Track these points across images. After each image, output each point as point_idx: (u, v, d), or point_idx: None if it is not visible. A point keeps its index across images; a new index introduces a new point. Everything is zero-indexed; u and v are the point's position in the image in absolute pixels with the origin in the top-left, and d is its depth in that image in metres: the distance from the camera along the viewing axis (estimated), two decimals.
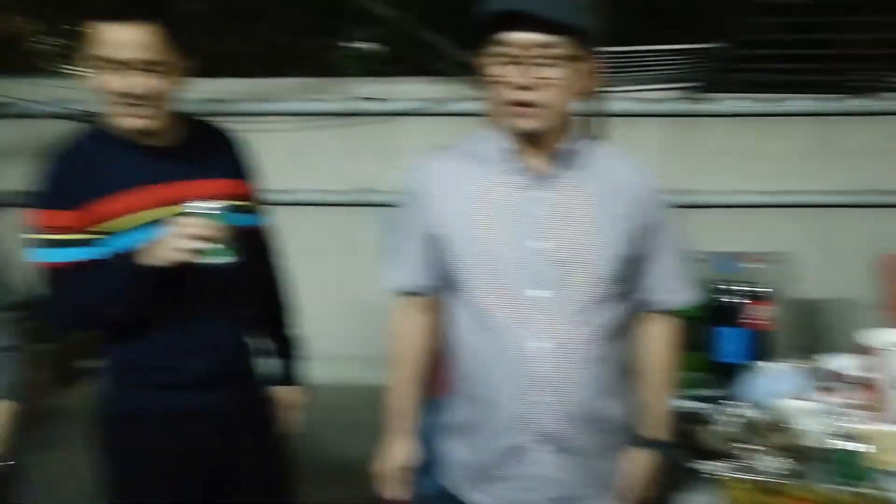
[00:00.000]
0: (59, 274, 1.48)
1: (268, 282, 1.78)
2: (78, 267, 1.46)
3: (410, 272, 1.43)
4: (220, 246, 1.38)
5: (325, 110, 4.30)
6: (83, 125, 1.56)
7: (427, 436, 1.66)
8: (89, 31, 1.39)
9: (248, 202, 1.66)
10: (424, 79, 4.41)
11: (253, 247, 1.66)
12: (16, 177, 4.40)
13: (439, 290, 1.43)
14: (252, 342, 1.72)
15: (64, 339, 4.29)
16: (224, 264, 1.40)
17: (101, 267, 1.47)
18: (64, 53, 5.36)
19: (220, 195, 1.49)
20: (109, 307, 1.47)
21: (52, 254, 1.47)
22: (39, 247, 1.48)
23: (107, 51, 1.38)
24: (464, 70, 4.34)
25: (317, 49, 5.28)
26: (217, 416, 1.59)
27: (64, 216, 1.46)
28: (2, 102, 4.37)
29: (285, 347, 1.81)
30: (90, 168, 1.48)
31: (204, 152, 1.58)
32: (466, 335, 1.37)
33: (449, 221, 1.34)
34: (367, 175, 4.39)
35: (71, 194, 1.45)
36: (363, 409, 3.37)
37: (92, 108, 4.35)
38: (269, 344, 1.79)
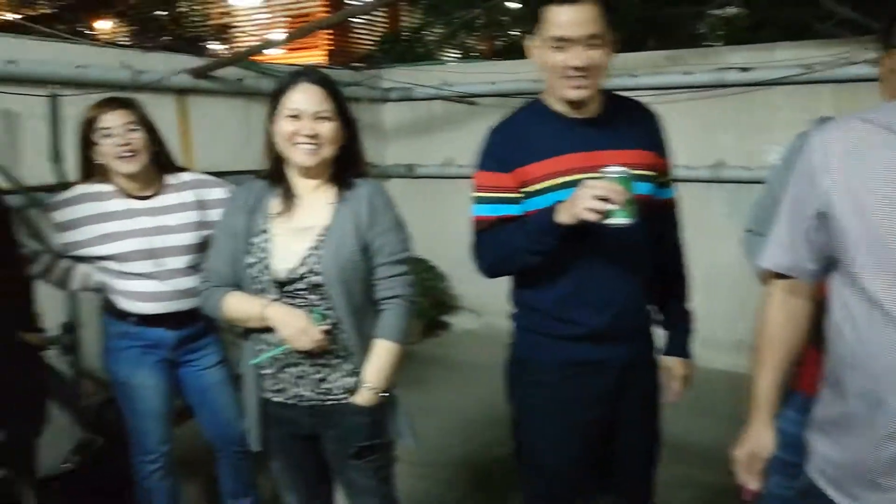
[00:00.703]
0: (487, 226, 1.70)
1: (671, 254, 1.85)
2: (503, 221, 1.68)
3: (789, 253, 1.31)
4: (622, 208, 1.47)
5: (687, 83, 4.14)
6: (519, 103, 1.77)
7: (788, 431, 1.54)
8: (539, 14, 1.58)
9: (661, 175, 1.74)
10: (796, 43, 3.97)
11: (662, 218, 1.77)
12: (403, 152, 5.17)
13: (820, 274, 1.31)
14: (649, 309, 1.81)
15: (431, 293, 4.91)
16: (624, 226, 1.49)
17: (521, 222, 1.65)
18: (445, 42, 6.02)
19: (635, 164, 1.59)
20: (523, 257, 1.64)
21: (484, 209, 1.71)
22: (476, 203, 1.72)
23: (555, 30, 1.55)
24: (850, 30, 3.83)
25: (680, 19, 5.10)
26: (609, 371, 1.71)
27: (498, 177, 1.67)
28: (393, 88, 5.09)
29: (680, 319, 1.86)
30: (523, 136, 1.68)
31: (622, 124, 1.70)
32: (853, 325, 1.21)
33: (851, 200, 1.18)
34: (723, 149, 4.15)
35: (505, 159, 1.66)
36: (709, 391, 3.28)
37: (469, 91, 4.83)
38: (664, 313, 1.86)
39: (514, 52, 5.67)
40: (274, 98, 1.75)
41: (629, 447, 1.80)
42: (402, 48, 5.66)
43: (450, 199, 4.85)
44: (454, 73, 4.91)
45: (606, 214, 1.47)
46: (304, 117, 1.70)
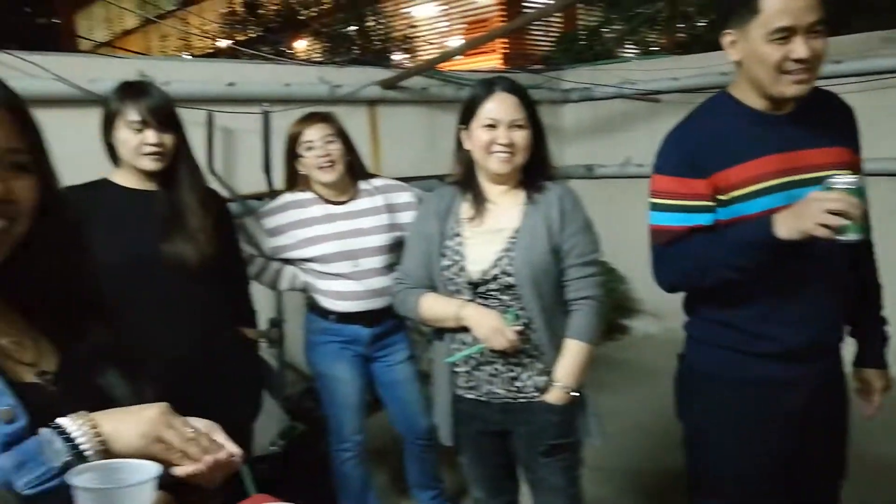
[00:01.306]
0: (672, 237, 1.57)
1: (864, 258, 1.70)
2: (692, 232, 1.55)
3: None
4: (856, 223, 1.33)
5: None
6: (709, 98, 1.63)
7: None
8: (752, 4, 1.41)
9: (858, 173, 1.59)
10: None
11: None
12: (582, 152, 5.12)
13: None
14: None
15: (611, 296, 4.81)
16: (855, 242, 1.35)
17: (720, 233, 1.52)
18: (625, 39, 5.88)
19: (835, 164, 1.48)
20: (721, 272, 1.51)
21: (668, 218, 1.57)
22: (655, 210, 1.60)
23: (779, 19, 1.39)
24: None
25: None
26: (800, 390, 1.59)
27: (686, 184, 1.53)
28: (573, 88, 5.05)
29: (876, 327, 1.71)
30: (715, 137, 1.53)
31: (820, 119, 1.55)
32: None
33: None
34: None
35: (696, 163, 1.52)
36: None
37: (651, 88, 4.67)
38: (856, 322, 1.71)
39: (698, 45, 5.41)
40: (468, 106, 1.81)
41: (815, 469, 1.66)
42: (579, 48, 5.60)
43: (630, 199, 4.71)
44: (635, 70, 4.77)
45: (839, 230, 1.32)
46: (500, 126, 1.74)
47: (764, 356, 1.57)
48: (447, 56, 4.00)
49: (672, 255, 1.60)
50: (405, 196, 2.47)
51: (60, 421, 0.78)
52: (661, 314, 4.85)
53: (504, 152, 1.75)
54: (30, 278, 0.90)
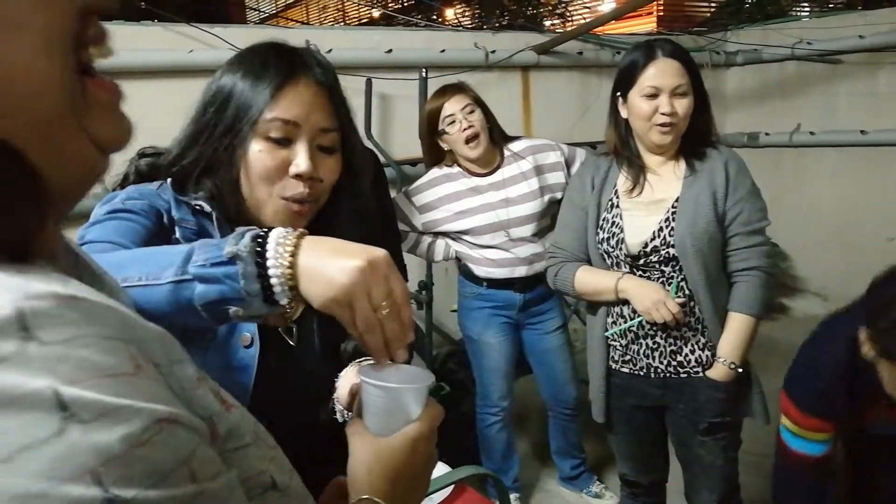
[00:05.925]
0: None
1: None
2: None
3: None
4: None
5: None
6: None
7: None
8: None
9: None
10: None
11: None
12: (745, 119, 4.79)
13: None
14: None
15: (777, 270, 4.51)
16: None
17: None
18: None
19: None
20: None
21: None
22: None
23: None
24: None
25: None
26: None
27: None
28: (739, 51, 4.71)
29: None
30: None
31: None
32: None
33: None
34: None
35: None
36: None
37: (830, 48, 4.27)
38: None
39: None
40: (626, 73, 1.72)
41: None
42: (751, 7, 5.20)
43: (798, 171, 4.38)
44: (812, 28, 4.37)
45: None
46: (662, 94, 1.66)
47: None
48: (604, 20, 3.85)
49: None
50: (553, 156, 2.41)
51: (274, 231, 0.70)
52: (827, 295, 4.50)
53: (666, 123, 1.66)
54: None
